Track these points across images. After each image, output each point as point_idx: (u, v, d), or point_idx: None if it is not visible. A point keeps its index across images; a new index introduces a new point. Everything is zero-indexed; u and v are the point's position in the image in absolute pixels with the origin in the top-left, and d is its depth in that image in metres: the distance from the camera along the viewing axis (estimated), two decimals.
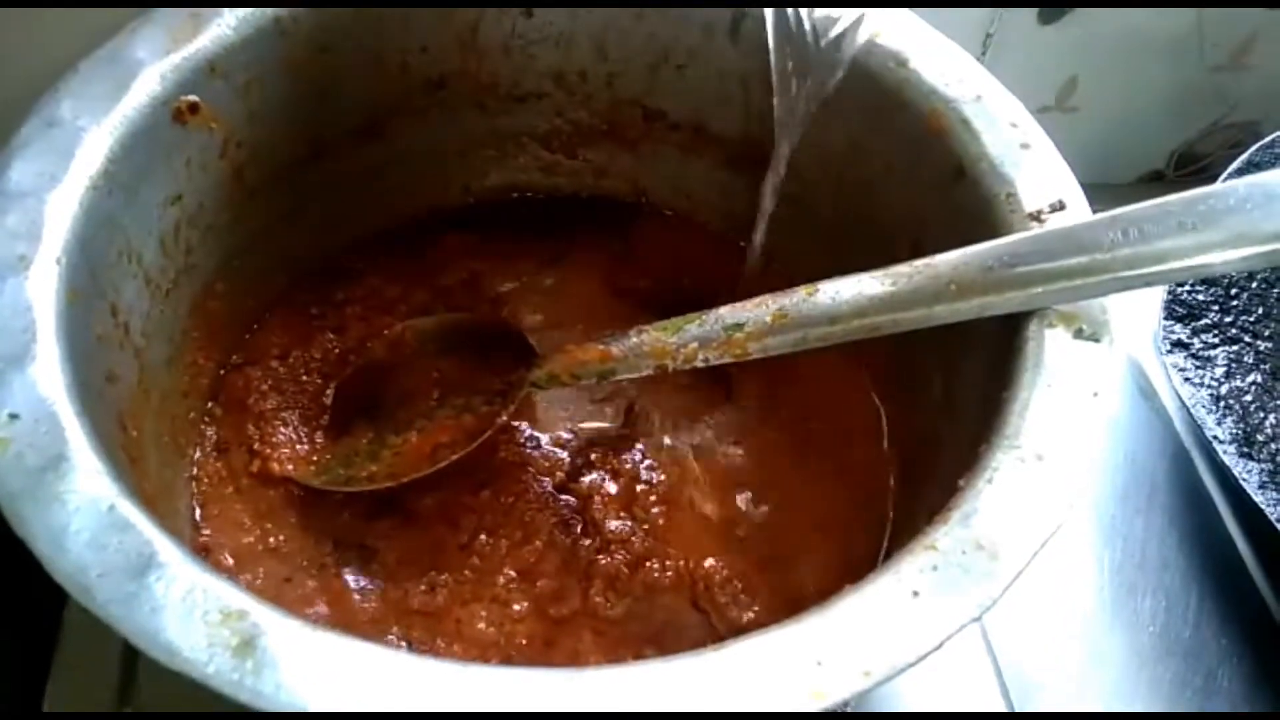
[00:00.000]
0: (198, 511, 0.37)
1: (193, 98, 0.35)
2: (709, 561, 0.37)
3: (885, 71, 0.37)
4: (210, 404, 0.40)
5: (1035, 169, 0.34)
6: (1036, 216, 0.32)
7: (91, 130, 0.32)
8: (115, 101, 0.33)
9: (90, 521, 0.24)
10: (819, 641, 0.24)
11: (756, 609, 0.36)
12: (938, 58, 0.37)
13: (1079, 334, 0.30)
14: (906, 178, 0.38)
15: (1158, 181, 0.63)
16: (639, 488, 0.39)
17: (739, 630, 0.35)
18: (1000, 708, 0.42)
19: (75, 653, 0.38)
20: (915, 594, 0.25)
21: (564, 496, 0.38)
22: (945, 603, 0.25)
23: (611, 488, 0.38)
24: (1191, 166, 0.62)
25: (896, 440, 0.39)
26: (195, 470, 0.38)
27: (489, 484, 0.38)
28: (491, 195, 0.47)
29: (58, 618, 0.39)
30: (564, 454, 0.39)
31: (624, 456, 0.39)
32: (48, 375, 0.27)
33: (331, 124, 0.41)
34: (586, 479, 0.39)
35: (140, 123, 0.34)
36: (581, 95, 0.43)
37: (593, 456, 0.39)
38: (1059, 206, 0.32)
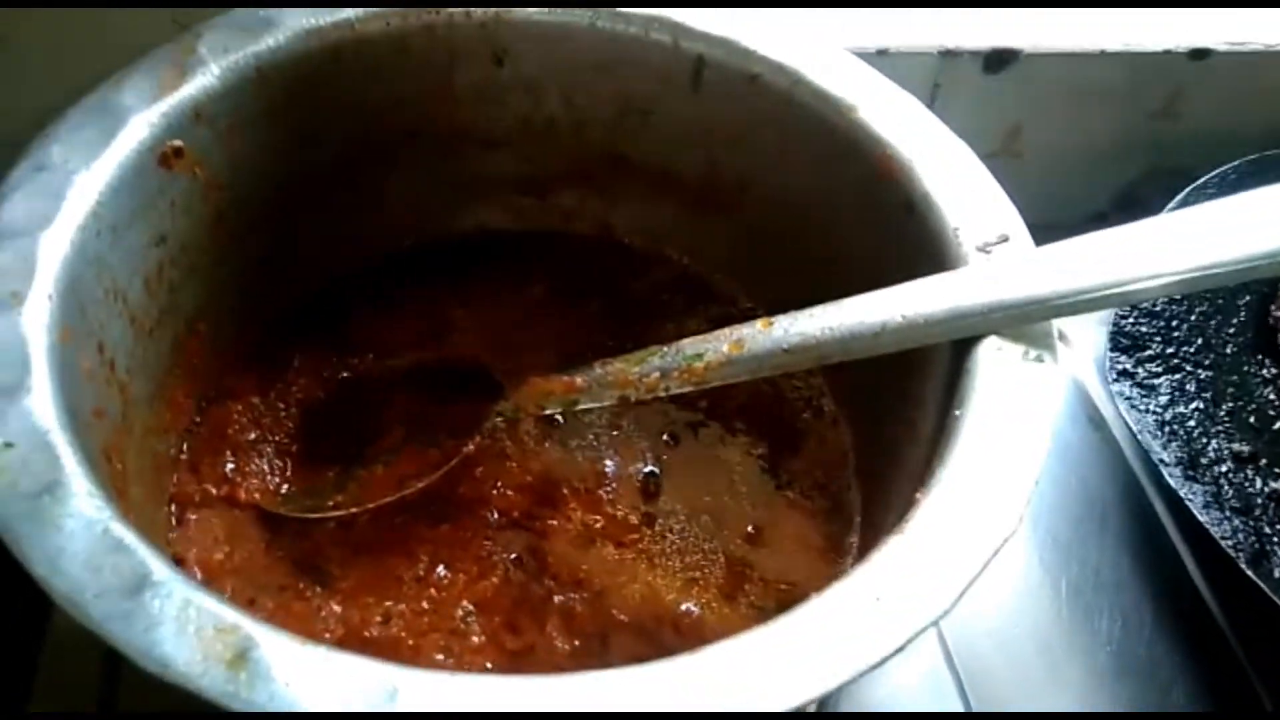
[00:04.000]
0: (173, 534, 0.37)
1: (177, 142, 0.36)
2: (670, 598, 0.38)
3: (836, 118, 0.40)
4: (189, 435, 0.40)
5: (980, 205, 0.36)
6: (983, 249, 0.34)
7: (81, 174, 0.33)
8: (104, 146, 0.34)
9: (85, 543, 0.25)
10: (785, 645, 0.25)
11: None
12: (886, 104, 0.39)
13: (1025, 356, 0.32)
14: (861, 217, 0.40)
15: (1100, 222, 0.66)
16: (596, 523, 0.39)
17: None
18: None
19: (61, 652, 0.39)
20: (876, 599, 0.26)
21: (521, 531, 0.39)
22: (903, 608, 0.26)
23: (568, 524, 0.39)
24: (1132, 208, 0.65)
25: (863, 464, 0.41)
26: (173, 490, 0.38)
27: (448, 518, 0.39)
28: (463, 235, 0.48)
29: (44, 617, 0.40)
30: (521, 491, 0.40)
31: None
32: (42, 406, 0.28)
33: (309, 169, 0.42)
34: (545, 515, 0.39)
35: (127, 166, 0.35)
36: (551, 142, 0.45)
37: (551, 491, 0.40)
38: (1004, 239, 0.35)
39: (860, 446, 0.41)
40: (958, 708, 0.44)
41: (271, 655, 0.23)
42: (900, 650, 0.25)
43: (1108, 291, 0.32)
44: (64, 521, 0.25)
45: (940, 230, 0.36)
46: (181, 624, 0.24)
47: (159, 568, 0.25)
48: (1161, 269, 0.31)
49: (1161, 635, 0.48)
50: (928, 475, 0.30)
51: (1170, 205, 0.55)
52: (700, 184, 0.45)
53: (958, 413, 0.31)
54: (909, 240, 0.38)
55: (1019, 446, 0.30)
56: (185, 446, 0.40)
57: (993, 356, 0.32)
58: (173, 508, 0.38)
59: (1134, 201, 0.65)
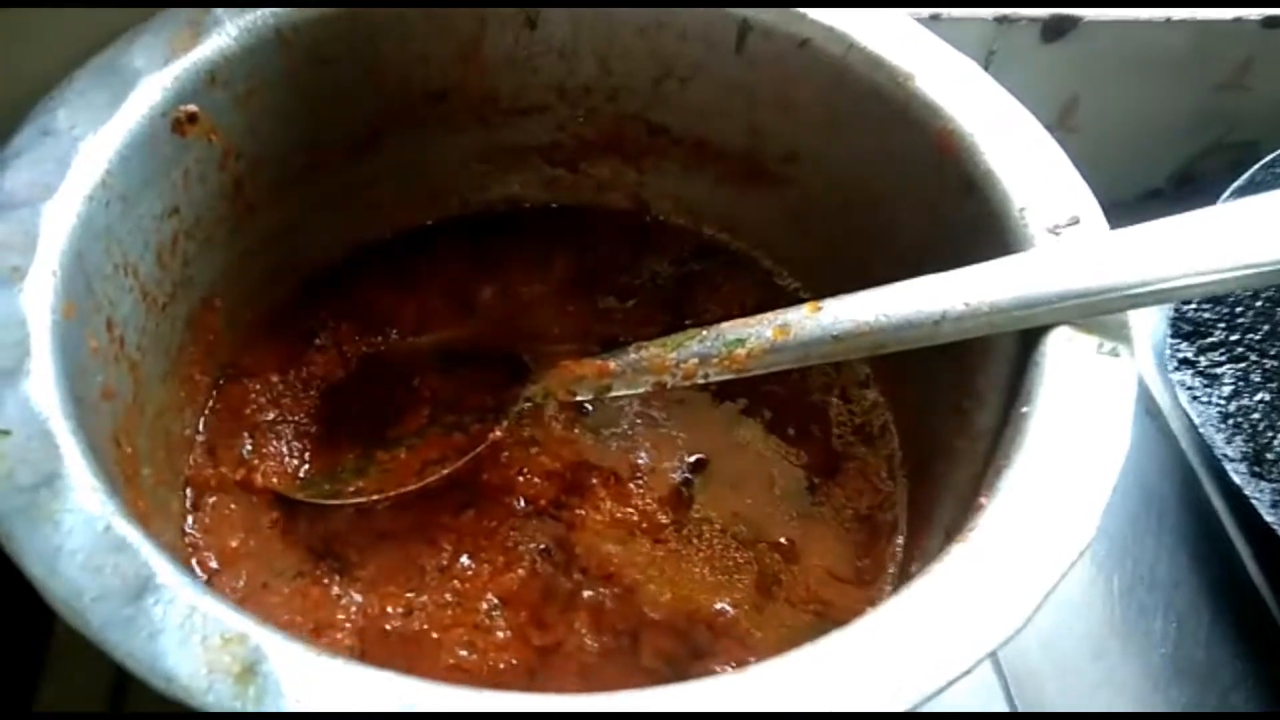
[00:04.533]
0: (189, 519, 0.36)
1: (192, 108, 0.34)
2: (703, 598, 0.36)
3: (892, 88, 0.37)
4: (205, 415, 0.39)
5: (1049, 184, 0.33)
6: (1053, 231, 0.32)
7: (88, 140, 0.32)
8: (112, 111, 0.32)
9: (85, 542, 0.23)
10: (840, 668, 0.23)
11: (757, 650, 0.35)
12: (945, 72, 0.37)
13: (1099, 349, 0.29)
14: (915, 194, 0.38)
15: (1157, 199, 0.63)
16: (628, 515, 0.38)
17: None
18: None
19: (69, 651, 0.37)
20: (936, 618, 0.24)
21: (549, 520, 0.37)
22: (968, 627, 0.24)
23: (598, 515, 0.37)
24: (1191, 185, 0.62)
25: (908, 457, 0.39)
26: (188, 472, 0.37)
27: (472, 505, 0.37)
28: (490, 208, 0.46)
29: (51, 615, 0.38)
30: (550, 479, 0.38)
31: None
32: (42, 390, 0.26)
33: (331, 135, 0.40)
34: (574, 505, 0.37)
35: (138, 133, 0.33)
36: (584, 109, 0.43)
37: (582, 480, 0.38)
38: (1075, 221, 0.32)
39: (907, 439, 0.39)
40: (1002, 708, 0.42)
41: (282, 669, 0.22)
42: (965, 674, 0.23)
43: (1193, 281, 0.29)
44: (62, 517, 0.24)
45: (1004, 210, 0.33)
46: (186, 632, 0.22)
47: (163, 569, 0.23)
48: (1254, 258, 0.28)
49: (1220, 637, 0.45)
50: (991, 477, 0.27)
51: (1236, 184, 0.52)
52: (742, 156, 0.42)
53: (1025, 410, 0.29)
54: (968, 220, 0.35)
55: (1093, 449, 0.27)
56: (201, 426, 0.38)
57: (1062, 349, 0.30)
58: (188, 491, 0.37)
59: (1194, 179, 0.61)
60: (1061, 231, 0.32)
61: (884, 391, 0.40)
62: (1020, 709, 0.42)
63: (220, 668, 0.21)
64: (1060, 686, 0.43)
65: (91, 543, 0.23)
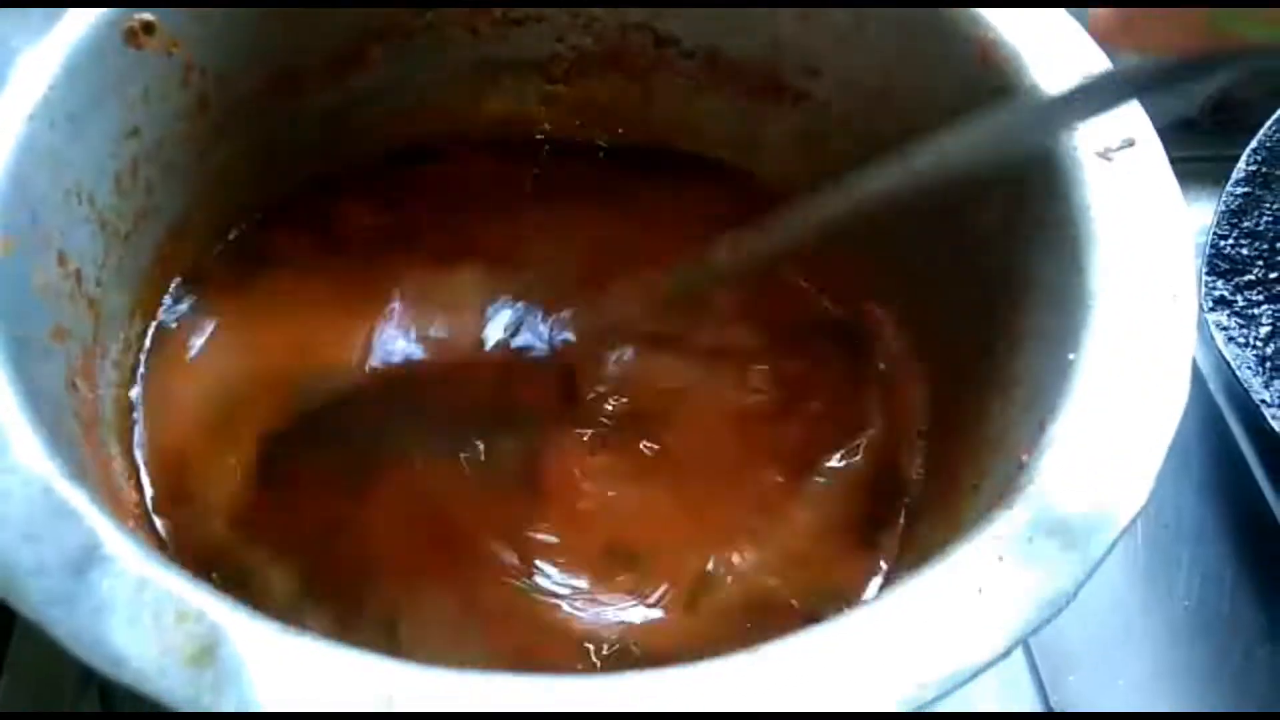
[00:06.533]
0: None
1: (146, 15, 0.31)
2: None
3: None
4: None
5: None
6: (1103, 155, 0.29)
7: (26, 52, 0.28)
8: (54, 19, 0.29)
9: (22, 508, 0.21)
10: (867, 647, 0.21)
11: None
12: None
13: (1157, 289, 0.26)
14: (949, 111, 0.34)
15: (1190, 129, 0.59)
16: None
17: None
18: (1029, 687, 0.40)
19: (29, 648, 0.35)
20: (979, 590, 0.22)
21: None
22: (1013, 598, 0.22)
23: None
24: (1226, 113, 0.59)
25: (934, 406, 0.36)
26: None
27: None
28: (480, 130, 0.42)
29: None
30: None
31: None
32: None
33: (307, 49, 0.37)
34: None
35: (85, 44, 0.30)
36: (585, 18, 0.39)
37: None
38: (1128, 143, 0.29)
39: (932, 384, 0.36)
40: (1019, 662, 0.40)
41: (244, 650, 0.19)
42: (1005, 655, 0.21)
43: None
44: None
45: None
46: (136, 609, 0.19)
47: (111, 537, 0.20)
48: None
49: (1245, 592, 0.43)
50: (1037, 434, 0.25)
51: (1277, 114, 0.49)
52: (760, 71, 0.39)
53: (1071, 356, 0.26)
54: None
55: (1147, 403, 0.25)
56: None
57: (1117, 286, 0.27)
58: None
59: (1230, 108, 0.58)
60: (1114, 155, 0.29)
61: (908, 335, 0.38)
62: (1039, 663, 0.40)
63: (174, 649, 0.19)
64: (1078, 638, 0.41)
65: (29, 508, 0.21)
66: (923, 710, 0.20)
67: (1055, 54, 0.31)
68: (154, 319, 0.35)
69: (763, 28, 0.37)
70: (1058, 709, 0.39)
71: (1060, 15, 0.32)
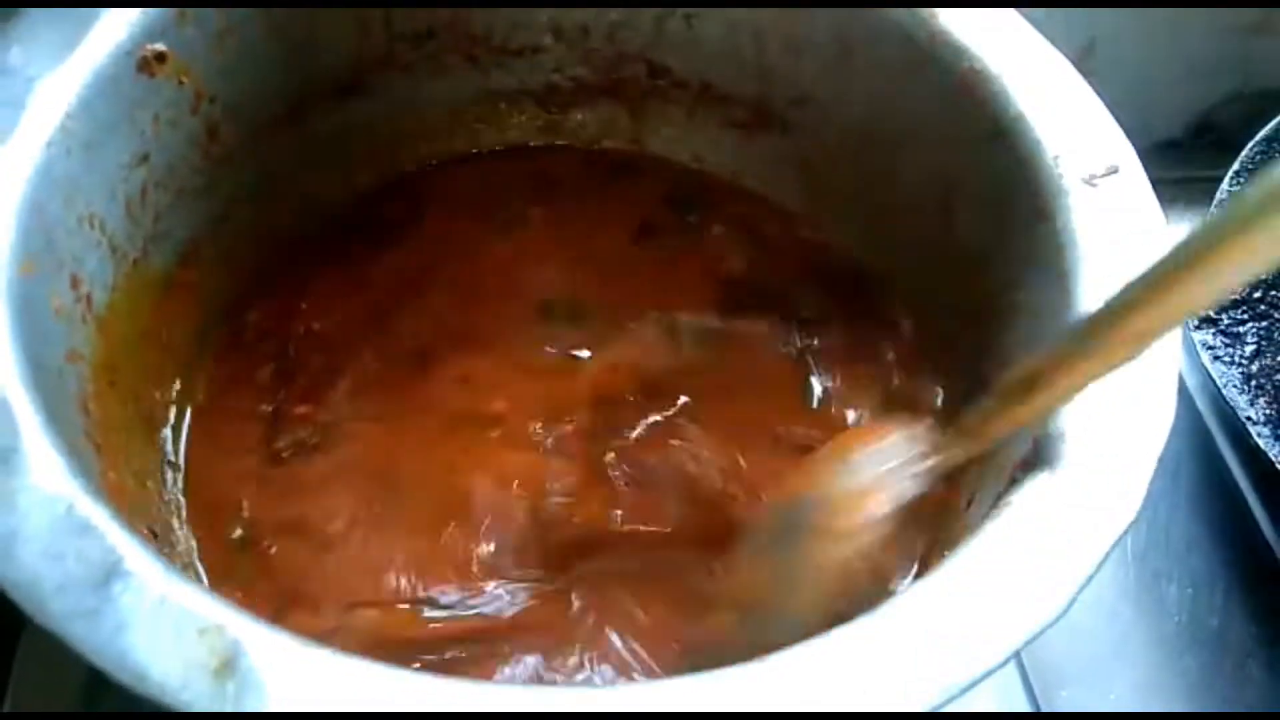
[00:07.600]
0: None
1: (160, 46, 0.32)
2: None
3: (913, 25, 0.34)
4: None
5: (1084, 130, 0.31)
6: (1089, 181, 0.30)
7: (45, 81, 0.29)
8: (72, 49, 0.30)
9: (45, 525, 0.21)
10: (864, 655, 0.21)
11: None
12: (971, 9, 0.34)
13: None
14: (935, 138, 0.35)
15: (1174, 150, 0.60)
16: None
17: None
18: (1022, 700, 0.40)
19: (39, 649, 0.35)
20: (973, 603, 0.22)
21: None
22: (1005, 612, 0.22)
23: None
24: (1209, 135, 0.60)
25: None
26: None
27: None
28: (482, 156, 0.43)
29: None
30: None
31: None
32: None
33: (312, 78, 0.38)
34: None
35: (102, 73, 0.30)
36: (582, 49, 0.40)
37: None
38: (1113, 170, 0.30)
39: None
40: (1012, 676, 0.41)
41: (263, 663, 0.20)
42: (1001, 666, 0.22)
43: None
44: (19, 498, 0.21)
45: (1034, 157, 0.31)
46: (157, 624, 0.20)
47: (132, 554, 0.21)
48: None
49: (1235, 605, 0.44)
50: (1028, 449, 0.25)
51: (1260, 134, 0.50)
52: (750, 100, 0.40)
53: None
54: (993, 167, 0.33)
55: (1137, 420, 0.25)
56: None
57: None
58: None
59: (1213, 129, 0.59)
60: (1098, 181, 0.30)
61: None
62: (1030, 675, 0.41)
63: (196, 662, 0.20)
64: (1069, 652, 0.42)
65: (52, 525, 0.21)
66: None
67: (1039, 85, 0.32)
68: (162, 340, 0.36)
69: (752, 58, 0.38)
70: None
71: (1042, 42, 0.33)
